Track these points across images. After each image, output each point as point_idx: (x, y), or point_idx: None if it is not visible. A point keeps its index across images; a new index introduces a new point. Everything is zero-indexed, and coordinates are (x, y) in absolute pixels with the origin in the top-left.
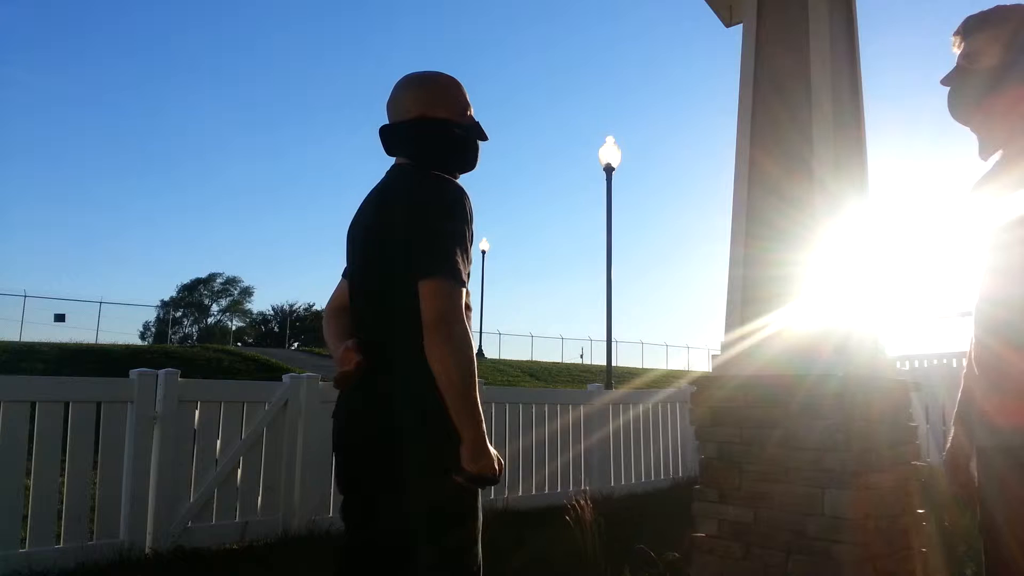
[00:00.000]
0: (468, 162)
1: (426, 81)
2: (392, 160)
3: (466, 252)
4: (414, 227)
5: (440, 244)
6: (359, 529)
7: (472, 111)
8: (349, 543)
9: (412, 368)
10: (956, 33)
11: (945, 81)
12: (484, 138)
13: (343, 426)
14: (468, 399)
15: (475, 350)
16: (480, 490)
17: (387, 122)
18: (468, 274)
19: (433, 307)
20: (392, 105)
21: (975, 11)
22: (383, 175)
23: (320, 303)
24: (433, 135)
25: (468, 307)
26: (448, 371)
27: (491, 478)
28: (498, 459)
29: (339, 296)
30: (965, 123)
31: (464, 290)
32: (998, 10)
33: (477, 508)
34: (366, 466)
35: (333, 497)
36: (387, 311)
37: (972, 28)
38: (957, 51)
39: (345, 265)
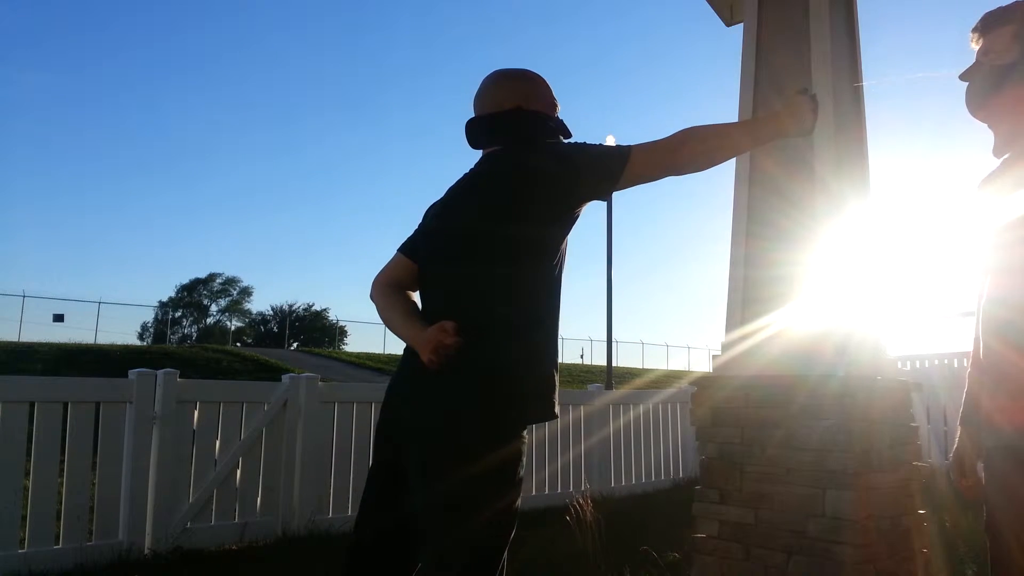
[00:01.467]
0: None
1: (521, 76)
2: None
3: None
4: (570, 166)
5: (606, 149)
6: (394, 506)
7: (559, 108)
8: (381, 521)
9: (508, 348)
10: (974, 29)
11: (962, 76)
12: (569, 135)
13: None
14: (738, 138)
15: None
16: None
17: (473, 116)
18: None
19: (669, 150)
20: (484, 98)
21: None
22: (477, 165)
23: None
24: (531, 124)
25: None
26: (718, 145)
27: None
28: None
29: (395, 274)
30: (978, 119)
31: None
32: (1016, 4)
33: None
34: (444, 446)
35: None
36: (492, 288)
37: (990, 23)
38: (975, 47)
39: (417, 245)
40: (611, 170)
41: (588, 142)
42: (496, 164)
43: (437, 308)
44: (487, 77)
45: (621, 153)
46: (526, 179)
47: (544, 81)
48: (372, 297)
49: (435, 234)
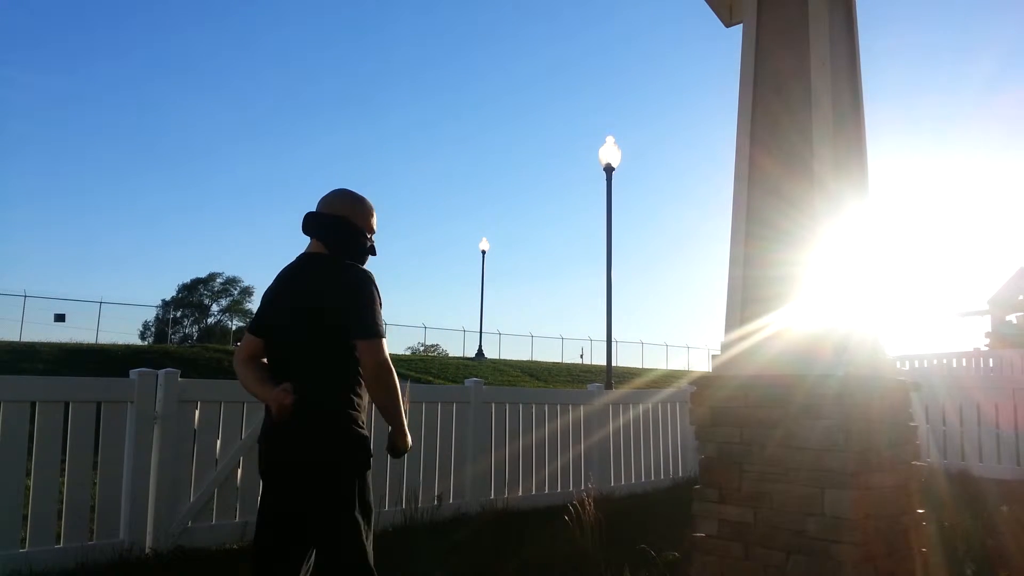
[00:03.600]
0: (364, 262)
1: (357, 198)
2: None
3: (381, 317)
4: (349, 301)
5: (370, 313)
6: (285, 532)
7: (375, 233)
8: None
9: (341, 403)
10: None
11: None
12: (375, 254)
13: (278, 448)
14: (396, 410)
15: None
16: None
17: (315, 209)
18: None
19: (375, 358)
20: (325, 201)
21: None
22: (300, 259)
23: None
24: (347, 233)
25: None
26: (387, 398)
27: (406, 449)
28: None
29: (250, 348)
30: None
31: (385, 341)
32: None
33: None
34: (303, 482)
35: None
36: (319, 361)
37: None
38: None
39: (259, 323)
40: (369, 328)
41: (376, 300)
42: (321, 268)
43: (284, 372)
44: (335, 190)
45: (378, 330)
46: (340, 289)
47: (372, 208)
48: (235, 368)
49: (276, 314)
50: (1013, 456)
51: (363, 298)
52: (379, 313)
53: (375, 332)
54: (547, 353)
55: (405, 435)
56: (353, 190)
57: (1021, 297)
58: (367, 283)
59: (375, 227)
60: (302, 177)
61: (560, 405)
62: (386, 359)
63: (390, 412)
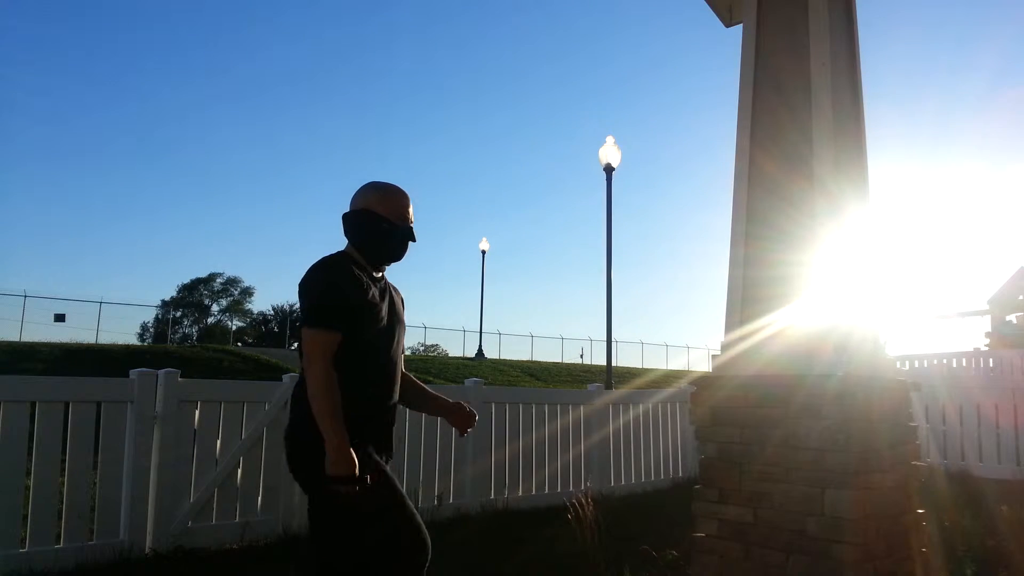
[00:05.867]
0: (383, 247)
1: (370, 187)
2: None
3: (328, 308)
4: (299, 292)
5: (306, 300)
6: None
7: (409, 220)
8: None
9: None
10: None
11: None
12: (407, 239)
13: None
14: (319, 413)
15: (329, 381)
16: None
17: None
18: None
19: (303, 347)
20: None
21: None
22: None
23: None
24: (357, 224)
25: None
26: (312, 394)
27: (332, 474)
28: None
29: None
30: None
31: (321, 330)
32: None
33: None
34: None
35: None
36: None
37: None
38: None
39: None
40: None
41: (312, 296)
42: None
43: None
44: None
45: (304, 315)
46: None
47: (394, 194)
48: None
49: None
50: (1013, 456)
51: (305, 286)
52: (318, 299)
53: (304, 319)
54: (547, 353)
55: (332, 452)
56: (376, 180)
57: (1021, 297)
58: (315, 270)
59: (403, 212)
60: (303, 176)
61: (560, 405)
62: (311, 349)
63: (316, 414)
